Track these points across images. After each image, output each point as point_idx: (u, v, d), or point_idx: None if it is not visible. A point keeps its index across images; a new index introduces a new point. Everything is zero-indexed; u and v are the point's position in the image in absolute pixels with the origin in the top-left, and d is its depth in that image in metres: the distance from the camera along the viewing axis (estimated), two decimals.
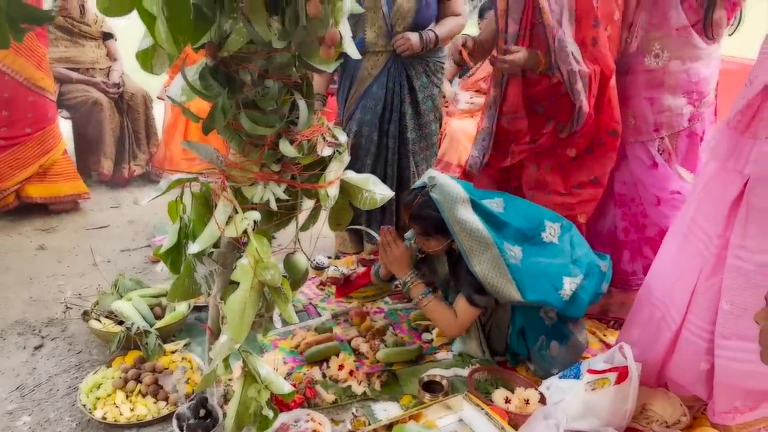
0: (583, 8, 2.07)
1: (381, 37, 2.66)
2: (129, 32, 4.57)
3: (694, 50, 2.11)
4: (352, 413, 1.83)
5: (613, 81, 2.12)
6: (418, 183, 2.16)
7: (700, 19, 2.08)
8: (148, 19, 1.20)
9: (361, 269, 2.60)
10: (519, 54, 2.09)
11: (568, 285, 1.96)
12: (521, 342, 2.09)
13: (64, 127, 4.39)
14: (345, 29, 1.38)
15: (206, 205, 1.60)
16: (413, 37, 2.64)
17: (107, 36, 4.26)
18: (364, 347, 2.15)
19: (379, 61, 2.71)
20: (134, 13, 1.25)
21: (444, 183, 2.05)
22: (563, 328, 2.06)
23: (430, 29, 2.71)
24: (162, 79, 4.33)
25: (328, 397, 1.91)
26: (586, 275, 2.02)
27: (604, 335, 2.35)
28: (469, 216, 2.00)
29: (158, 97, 4.40)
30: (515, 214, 2.08)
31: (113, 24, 4.32)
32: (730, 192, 1.64)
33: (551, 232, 2.08)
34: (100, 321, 2.18)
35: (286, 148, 1.39)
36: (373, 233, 2.65)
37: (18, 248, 3.08)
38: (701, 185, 1.78)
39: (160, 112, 4.43)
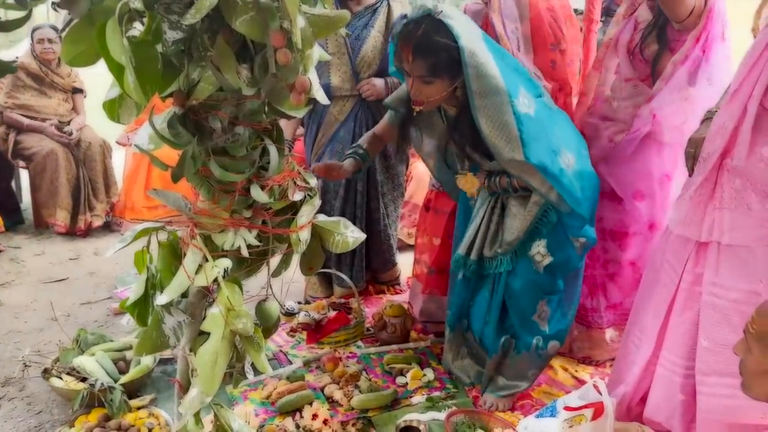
0: (539, 35, 2.26)
1: (346, 82, 2.70)
2: (95, 80, 4.52)
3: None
4: None
5: (571, 100, 2.32)
6: (414, 14, 1.80)
7: (649, 74, 2.14)
8: (116, 69, 1.19)
9: (332, 314, 2.56)
10: None
11: (566, 158, 1.84)
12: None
13: (23, 177, 4.29)
14: (313, 76, 1.39)
15: (173, 254, 1.56)
16: (378, 82, 2.69)
17: (76, 90, 4.21)
18: (338, 394, 2.10)
19: (346, 106, 2.75)
20: (101, 64, 1.25)
21: (452, 11, 1.77)
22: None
23: None
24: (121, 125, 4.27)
25: None
26: (579, 157, 1.90)
27: (576, 371, 2.36)
28: (484, 51, 1.75)
29: (117, 142, 4.30)
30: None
31: (85, 79, 4.29)
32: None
33: (548, 101, 1.98)
34: (61, 378, 2.08)
35: (258, 194, 1.38)
36: (344, 276, 2.63)
37: None
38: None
39: (119, 159, 4.35)
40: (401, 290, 3.09)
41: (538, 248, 1.96)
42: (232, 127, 1.34)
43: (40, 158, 3.86)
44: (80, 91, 4.24)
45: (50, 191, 3.88)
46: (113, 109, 1.29)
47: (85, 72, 4.48)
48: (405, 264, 3.12)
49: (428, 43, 1.74)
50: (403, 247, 3.58)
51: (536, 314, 2.03)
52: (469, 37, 1.74)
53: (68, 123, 4.10)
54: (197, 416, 1.46)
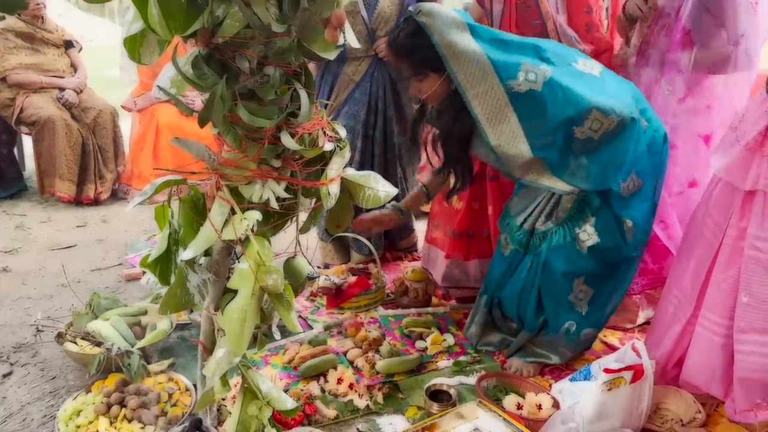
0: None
1: (361, 42, 2.57)
2: (91, 55, 4.39)
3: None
4: (357, 429, 1.72)
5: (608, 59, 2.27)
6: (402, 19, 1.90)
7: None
8: (140, 0, 1.10)
9: (352, 278, 2.49)
10: None
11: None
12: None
13: (26, 143, 4.18)
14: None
15: (195, 209, 1.48)
16: None
17: (69, 44, 4.08)
18: (361, 359, 2.03)
19: (361, 67, 2.64)
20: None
21: (433, 7, 1.76)
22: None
23: None
24: (126, 90, 4.15)
25: (329, 412, 1.79)
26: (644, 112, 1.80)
27: (605, 336, 2.29)
28: (463, 39, 1.73)
29: (123, 107, 4.13)
30: (543, 43, 1.86)
31: (84, 54, 4.20)
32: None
33: (586, 65, 1.83)
34: (76, 343, 2.01)
35: (288, 141, 1.29)
36: (364, 240, 2.54)
37: None
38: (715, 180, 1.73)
39: (126, 126, 4.23)
40: (419, 257, 3.01)
41: (585, 227, 1.85)
42: (260, 68, 1.25)
43: (38, 127, 3.75)
44: (72, 45, 4.11)
45: (49, 161, 3.78)
46: (134, 47, 1.19)
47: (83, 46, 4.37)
48: (422, 231, 3.04)
49: (404, 46, 1.84)
50: (418, 213, 3.49)
51: (572, 294, 1.91)
52: (447, 30, 1.74)
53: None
54: (224, 378, 1.39)
